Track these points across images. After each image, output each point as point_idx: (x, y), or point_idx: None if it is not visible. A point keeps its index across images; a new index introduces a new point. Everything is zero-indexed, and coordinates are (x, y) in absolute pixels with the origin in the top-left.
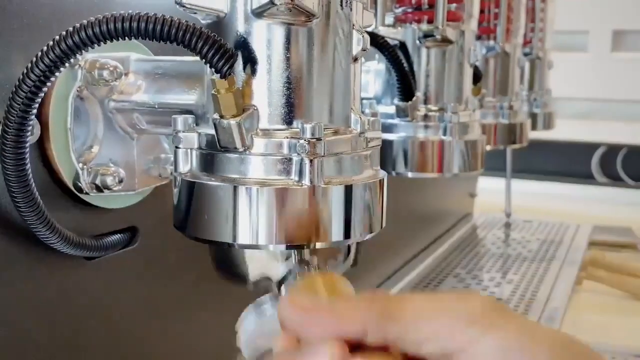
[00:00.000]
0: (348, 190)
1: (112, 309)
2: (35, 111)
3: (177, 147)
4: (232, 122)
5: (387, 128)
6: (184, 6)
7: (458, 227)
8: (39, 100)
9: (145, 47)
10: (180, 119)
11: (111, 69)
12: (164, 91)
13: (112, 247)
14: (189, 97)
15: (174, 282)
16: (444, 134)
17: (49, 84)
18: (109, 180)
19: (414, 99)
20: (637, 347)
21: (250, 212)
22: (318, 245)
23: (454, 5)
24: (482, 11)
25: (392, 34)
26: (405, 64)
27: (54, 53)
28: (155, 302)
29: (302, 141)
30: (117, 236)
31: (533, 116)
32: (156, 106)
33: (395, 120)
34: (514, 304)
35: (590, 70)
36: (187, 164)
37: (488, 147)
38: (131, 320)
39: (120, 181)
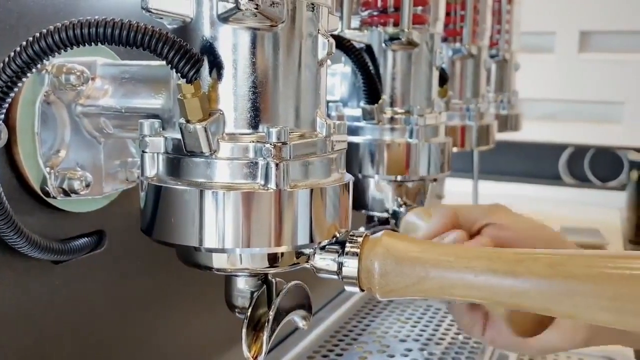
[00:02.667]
0: (314, 193)
1: (79, 313)
2: (2, 116)
3: (143, 152)
4: (198, 126)
5: (353, 131)
6: (150, 11)
7: None
8: (7, 105)
9: (112, 51)
10: (146, 124)
11: (78, 73)
12: (131, 95)
13: (80, 251)
14: (155, 102)
15: (141, 285)
16: (410, 136)
17: (16, 89)
18: (76, 185)
19: (380, 101)
20: (603, 348)
21: (217, 216)
22: (283, 249)
23: (419, 8)
24: (448, 13)
25: (358, 37)
26: (371, 67)
27: (21, 58)
28: (123, 305)
29: (267, 145)
30: (84, 240)
31: (500, 118)
32: (123, 110)
33: (362, 123)
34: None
35: (558, 71)
36: (154, 168)
37: (455, 149)
38: (99, 323)
39: (88, 185)
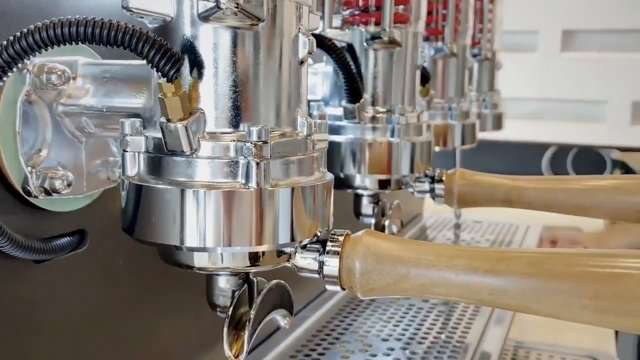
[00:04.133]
0: (295, 192)
1: (61, 312)
2: None
3: (124, 151)
4: (179, 125)
5: (335, 130)
6: (130, 10)
7: (408, 228)
8: None
9: (93, 51)
10: (127, 123)
11: (59, 73)
12: (112, 95)
13: (61, 250)
14: (136, 101)
15: (123, 284)
16: (392, 135)
17: None
18: (58, 184)
19: (362, 100)
20: (586, 347)
21: (198, 215)
22: (264, 247)
23: (401, 7)
24: (429, 12)
25: (340, 36)
26: (352, 66)
27: (2, 58)
28: (105, 304)
29: (248, 144)
30: (66, 239)
31: (482, 117)
32: (104, 110)
33: (343, 122)
34: (464, 306)
35: (540, 70)
36: (135, 167)
37: (437, 148)
38: (80, 323)
39: (69, 184)
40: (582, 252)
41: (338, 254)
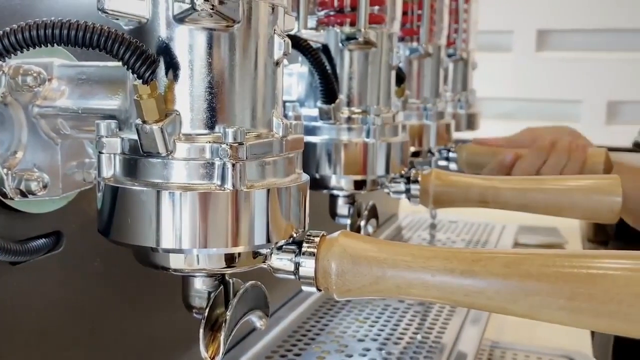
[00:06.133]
0: (270, 193)
1: (37, 314)
2: None
3: (100, 152)
4: (155, 127)
5: (310, 131)
6: (106, 12)
7: (383, 229)
8: None
9: (69, 52)
10: (103, 125)
11: (35, 74)
12: (88, 96)
13: (37, 252)
14: (112, 103)
15: (100, 286)
16: (367, 136)
17: None
18: (33, 186)
19: (337, 101)
20: (562, 347)
21: (174, 216)
22: (240, 249)
23: (376, 7)
24: (405, 13)
25: (315, 37)
26: (328, 67)
27: None
28: (81, 306)
29: (224, 145)
30: (42, 241)
31: (458, 117)
32: (80, 111)
33: (319, 123)
34: (440, 306)
35: (515, 70)
36: (111, 168)
37: (412, 149)
38: (56, 325)
39: (45, 186)
40: (559, 253)
41: (314, 255)
